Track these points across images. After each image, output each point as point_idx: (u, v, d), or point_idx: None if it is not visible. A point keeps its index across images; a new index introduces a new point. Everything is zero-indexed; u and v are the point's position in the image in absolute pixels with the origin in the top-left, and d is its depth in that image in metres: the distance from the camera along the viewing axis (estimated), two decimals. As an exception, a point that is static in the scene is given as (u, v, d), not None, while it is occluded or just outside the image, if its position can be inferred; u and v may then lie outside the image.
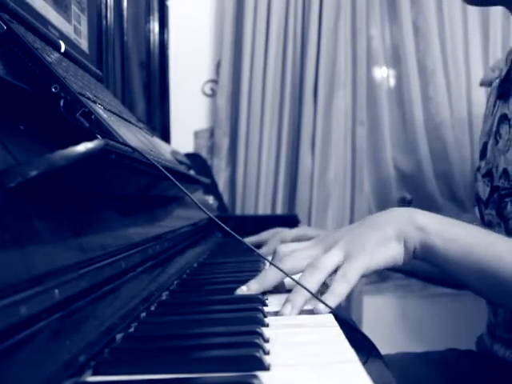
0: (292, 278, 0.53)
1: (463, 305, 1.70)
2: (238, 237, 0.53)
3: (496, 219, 0.78)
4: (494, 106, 0.83)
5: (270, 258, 0.61)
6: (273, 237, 0.94)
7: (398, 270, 0.83)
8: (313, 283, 0.52)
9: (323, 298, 0.51)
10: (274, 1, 1.80)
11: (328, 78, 1.84)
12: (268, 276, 0.57)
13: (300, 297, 0.51)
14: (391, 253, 0.56)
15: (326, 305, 0.50)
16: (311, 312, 0.51)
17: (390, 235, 0.56)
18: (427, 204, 1.94)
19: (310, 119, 1.83)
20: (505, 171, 0.75)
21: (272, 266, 0.57)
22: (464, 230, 0.58)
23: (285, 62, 1.83)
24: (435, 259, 0.57)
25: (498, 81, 0.85)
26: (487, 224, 0.82)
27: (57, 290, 0.33)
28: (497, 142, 0.79)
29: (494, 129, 0.80)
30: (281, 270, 0.55)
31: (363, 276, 0.55)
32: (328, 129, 1.84)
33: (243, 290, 0.56)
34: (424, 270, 0.76)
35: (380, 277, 1.96)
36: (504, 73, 0.82)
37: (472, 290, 0.59)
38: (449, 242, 0.56)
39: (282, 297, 0.59)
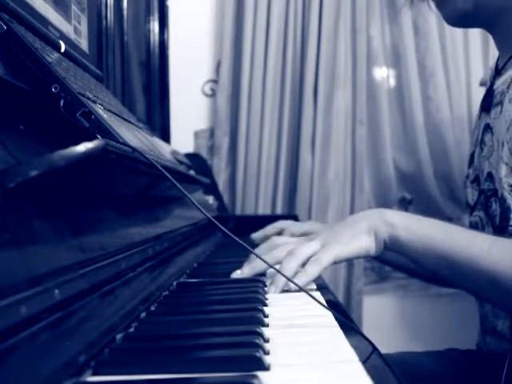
0: (275, 268, 0.59)
1: (463, 305, 1.69)
2: (231, 234, 0.53)
3: (485, 219, 0.83)
4: (479, 117, 0.89)
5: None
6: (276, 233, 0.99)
7: (377, 258, 0.94)
8: (290, 267, 0.63)
9: (297, 275, 0.62)
10: (274, 1, 1.80)
11: (328, 77, 1.84)
12: (259, 264, 0.69)
13: (280, 281, 0.62)
14: (363, 244, 0.66)
15: (299, 286, 0.55)
16: (311, 311, 0.51)
17: (361, 229, 0.67)
18: (427, 204, 1.94)
19: (309, 119, 1.83)
20: (489, 174, 0.81)
21: (263, 255, 0.67)
22: (427, 223, 0.68)
23: (285, 62, 1.83)
24: (402, 249, 0.66)
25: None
26: (474, 226, 0.87)
27: (57, 290, 0.33)
28: (482, 150, 0.84)
29: (479, 138, 0.86)
30: (268, 263, 0.61)
31: (336, 263, 0.66)
32: (328, 129, 1.84)
33: (238, 272, 0.68)
34: (398, 261, 0.91)
35: (380, 277, 1.96)
36: (487, 87, 0.88)
37: (435, 275, 0.69)
38: (412, 234, 0.65)
39: (282, 296, 0.59)
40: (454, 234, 0.65)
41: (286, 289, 0.62)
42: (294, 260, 0.64)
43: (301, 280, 0.61)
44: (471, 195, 0.90)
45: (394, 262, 0.96)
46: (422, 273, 0.92)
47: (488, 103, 0.85)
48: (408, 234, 0.65)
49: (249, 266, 0.69)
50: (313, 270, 0.63)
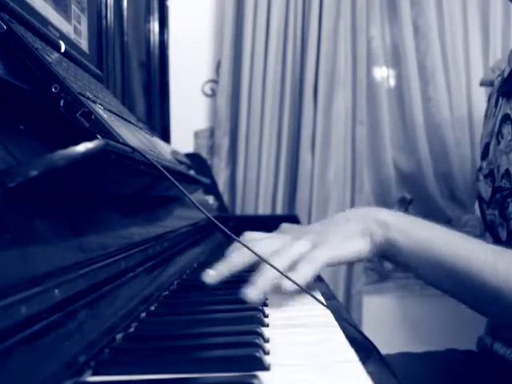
0: (264, 259, 0.53)
1: (463, 305, 1.69)
2: (230, 233, 0.52)
3: (499, 219, 0.78)
4: (496, 105, 0.84)
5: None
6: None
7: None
8: (274, 270, 0.52)
9: (290, 276, 0.52)
10: (274, 1, 1.80)
11: (328, 77, 1.84)
12: (235, 257, 0.58)
13: (263, 279, 0.52)
14: (356, 247, 0.59)
15: (293, 281, 0.50)
16: (311, 311, 0.51)
17: (355, 231, 0.59)
18: (427, 204, 1.95)
19: (309, 119, 1.83)
20: (507, 172, 0.75)
21: (240, 248, 0.57)
22: (426, 227, 0.60)
23: (285, 62, 1.83)
24: (399, 255, 0.59)
25: (499, 80, 0.85)
26: (489, 224, 0.82)
27: (57, 290, 0.33)
28: (499, 143, 0.79)
29: (496, 129, 0.80)
30: (255, 253, 0.54)
31: (329, 265, 0.57)
32: (328, 129, 1.84)
33: (211, 273, 0.56)
34: None
35: (380, 277, 1.96)
36: (507, 72, 0.82)
37: (436, 287, 0.60)
38: (411, 239, 0.58)
39: (283, 297, 0.59)
40: (457, 242, 0.57)
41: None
42: (280, 259, 0.54)
43: (297, 281, 0.52)
44: (485, 191, 0.83)
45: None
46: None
47: (509, 88, 0.78)
48: (405, 238, 0.58)
49: (223, 263, 0.57)
50: (308, 270, 0.54)
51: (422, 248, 0.57)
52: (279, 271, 0.52)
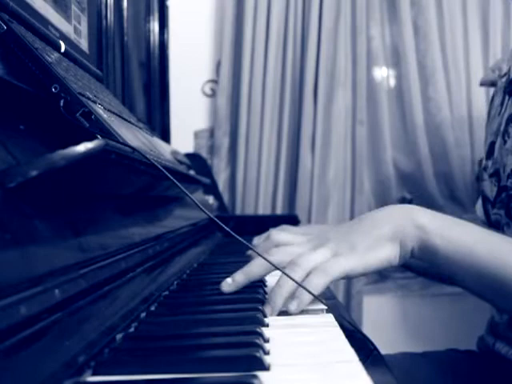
0: (280, 270, 0.52)
1: (463, 305, 1.70)
2: (236, 235, 0.52)
3: (504, 219, 0.77)
4: (502, 105, 0.83)
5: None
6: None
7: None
8: (290, 281, 0.50)
9: (297, 291, 0.50)
10: (274, 1, 1.80)
11: (328, 78, 1.84)
12: (254, 267, 0.56)
13: (279, 297, 0.50)
14: (384, 255, 0.54)
15: (308, 290, 0.49)
16: (312, 311, 0.51)
17: (384, 236, 0.54)
18: (427, 204, 1.93)
19: (309, 119, 1.83)
20: None
21: (259, 257, 0.54)
22: (466, 229, 0.55)
23: (285, 62, 1.83)
24: (435, 260, 0.54)
25: (504, 80, 0.85)
26: (494, 224, 0.81)
27: (57, 290, 0.33)
28: (505, 142, 0.78)
29: (502, 128, 0.80)
30: (271, 264, 0.53)
31: (349, 278, 0.53)
32: (328, 129, 1.84)
33: (228, 282, 0.55)
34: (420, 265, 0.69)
35: (380, 277, 1.96)
36: None
37: (472, 293, 0.56)
38: (450, 243, 0.53)
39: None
40: (501, 246, 0.53)
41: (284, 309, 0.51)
42: (297, 271, 0.51)
43: (302, 294, 0.50)
44: (489, 190, 0.82)
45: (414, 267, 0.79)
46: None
47: None
48: (445, 244, 0.53)
49: (241, 273, 0.56)
50: (318, 282, 0.50)
51: (463, 254, 0.53)
52: (296, 282, 0.50)
